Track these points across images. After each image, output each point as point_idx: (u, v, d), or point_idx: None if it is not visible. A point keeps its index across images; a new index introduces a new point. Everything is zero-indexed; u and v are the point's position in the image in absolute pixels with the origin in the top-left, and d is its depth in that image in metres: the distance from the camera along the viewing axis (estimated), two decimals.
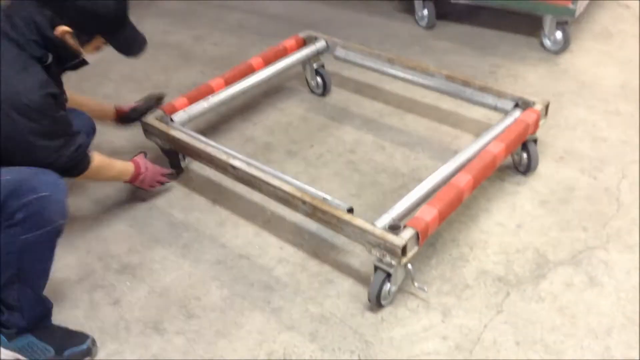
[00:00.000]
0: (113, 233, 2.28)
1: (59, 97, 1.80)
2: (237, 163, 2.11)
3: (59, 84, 1.91)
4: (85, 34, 1.81)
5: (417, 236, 1.78)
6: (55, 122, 1.78)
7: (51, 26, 1.74)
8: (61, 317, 1.93)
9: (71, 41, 1.80)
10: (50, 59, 1.78)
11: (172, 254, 2.18)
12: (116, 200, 2.42)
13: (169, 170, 2.39)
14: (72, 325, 1.89)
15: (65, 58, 1.86)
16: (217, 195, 2.42)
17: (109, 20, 1.82)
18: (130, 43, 1.94)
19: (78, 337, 1.84)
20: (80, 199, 2.44)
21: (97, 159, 2.02)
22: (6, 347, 1.78)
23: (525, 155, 2.34)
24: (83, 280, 2.09)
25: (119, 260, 2.16)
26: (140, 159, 2.29)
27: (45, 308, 1.84)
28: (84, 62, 1.94)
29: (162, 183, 2.36)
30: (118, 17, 1.85)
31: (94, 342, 1.85)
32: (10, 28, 1.72)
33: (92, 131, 2.27)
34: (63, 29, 1.75)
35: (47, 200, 1.63)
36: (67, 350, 1.80)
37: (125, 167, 2.21)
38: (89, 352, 1.83)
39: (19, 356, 1.78)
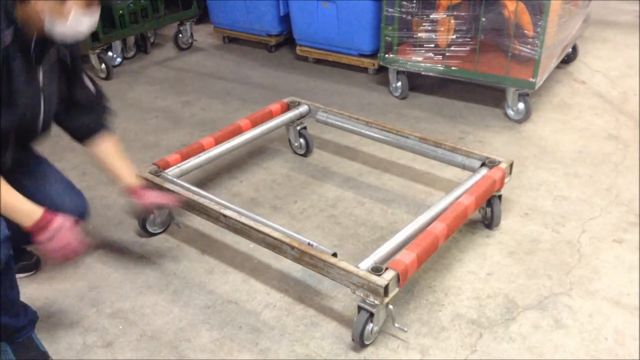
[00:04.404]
0: (105, 281, 2.37)
1: None
2: (228, 212, 2.26)
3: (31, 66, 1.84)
4: None
5: (397, 277, 1.93)
6: None
7: None
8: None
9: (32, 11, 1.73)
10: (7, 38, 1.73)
11: (163, 299, 2.27)
12: (108, 250, 2.53)
13: (88, 245, 1.95)
14: None
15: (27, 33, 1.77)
16: (205, 246, 2.55)
17: None
18: None
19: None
20: None
21: None
22: None
23: (489, 210, 2.55)
24: (76, 324, 2.17)
25: (111, 306, 2.25)
26: (61, 215, 1.85)
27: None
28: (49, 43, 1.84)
29: (71, 257, 1.89)
30: None
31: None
32: None
33: (81, 215, 2.14)
34: None
35: None
36: None
37: (27, 205, 1.79)
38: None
39: None
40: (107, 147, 2.22)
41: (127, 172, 2.26)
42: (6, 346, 1.95)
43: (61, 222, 1.83)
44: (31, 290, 2.31)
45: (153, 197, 2.30)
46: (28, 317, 1.94)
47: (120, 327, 2.15)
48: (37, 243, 1.82)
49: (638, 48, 4.47)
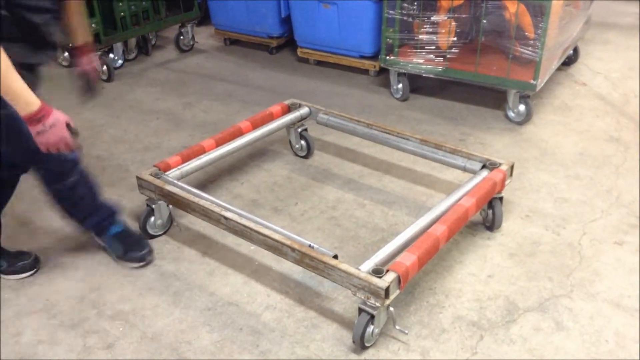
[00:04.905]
0: (106, 282, 2.37)
1: None
2: (229, 214, 2.26)
3: None
4: None
5: (398, 279, 1.93)
6: None
7: None
8: None
9: None
10: None
11: (164, 301, 2.27)
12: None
13: (73, 143, 1.95)
14: None
15: None
16: (206, 248, 2.55)
17: None
18: None
19: (141, 245, 2.45)
20: (75, 251, 2.54)
21: None
22: (98, 240, 2.48)
23: (490, 212, 2.55)
24: (77, 325, 2.17)
25: (112, 307, 2.25)
26: (57, 111, 1.90)
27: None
28: None
29: (62, 150, 1.95)
30: None
31: (150, 251, 2.46)
32: None
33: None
34: None
35: None
36: (130, 253, 2.43)
37: (28, 93, 1.83)
38: (144, 258, 2.44)
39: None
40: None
41: (81, 32, 2.31)
42: (110, 238, 2.44)
43: (55, 118, 1.87)
44: (32, 292, 2.32)
45: (85, 64, 2.33)
46: (110, 207, 2.43)
47: (121, 329, 2.15)
48: (31, 133, 1.87)
49: (639, 50, 4.47)
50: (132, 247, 2.44)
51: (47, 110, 1.86)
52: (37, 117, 1.84)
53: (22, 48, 1.95)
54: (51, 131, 1.87)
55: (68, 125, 1.91)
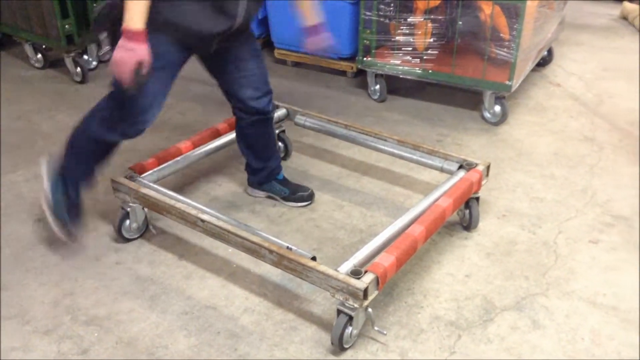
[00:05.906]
0: (80, 287, 2.33)
1: None
2: (206, 217, 2.24)
3: None
4: None
5: (377, 280, 1.93)
6: None
7: None
8: None
9: None
10: None
11: (139, 306, 2.24)
12: (83, 256, 2.49)
13: (128, 79, 1.98)
14: None
15: None
16: (183, 251, 2.52)
17: None
18: None
19: (302, 188, 2.78)
20: (48, 256, 2.50)
21: None
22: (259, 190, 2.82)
23: (467, 212, 2.56)
24: (51, 331, 2.13)
25: (87, 313, 2.21)
26: (146, 46, 1.96)
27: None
28: None
29: (122, 78, 1.99)
30: None
31: (311, 195, 2.77)
32: None
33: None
34: None
35: None
36: (297, 194, 2.75)
37: (139, 16, 1.92)
38: (310, 197, 2.78)
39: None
40: None
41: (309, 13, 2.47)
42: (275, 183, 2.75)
43: (137, 47, 1.94)
44: (5, 297, 2.27)
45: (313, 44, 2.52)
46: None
47: (96, 334, 2.12)
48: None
49: (612, 51, 4.54)
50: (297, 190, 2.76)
51: (138, 38, 1.94)
52: (128, 34, 1.93)
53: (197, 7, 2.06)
54: (125, 52, 1.93)
55: (140, 65, 1.96)
